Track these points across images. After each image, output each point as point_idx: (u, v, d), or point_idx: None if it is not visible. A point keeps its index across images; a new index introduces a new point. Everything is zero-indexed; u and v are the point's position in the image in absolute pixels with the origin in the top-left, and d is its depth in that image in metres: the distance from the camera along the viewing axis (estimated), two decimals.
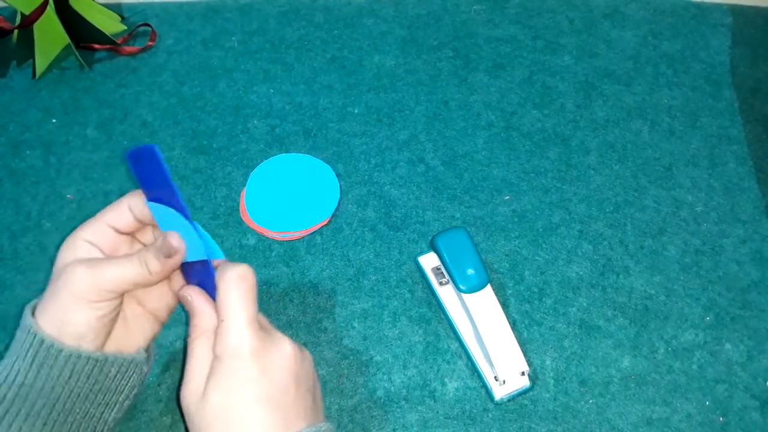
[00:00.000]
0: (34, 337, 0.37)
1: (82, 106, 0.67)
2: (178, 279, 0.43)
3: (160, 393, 0.51)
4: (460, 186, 0.62)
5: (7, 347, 0.52)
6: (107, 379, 0.40)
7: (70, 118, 0.66)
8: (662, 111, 0.68)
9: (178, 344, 0.53)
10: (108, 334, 0.40)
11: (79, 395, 0.39)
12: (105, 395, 0.40)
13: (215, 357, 0.37)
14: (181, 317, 0.54)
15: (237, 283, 0.38)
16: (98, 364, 0.39)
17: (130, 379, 0.42)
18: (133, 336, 0.42)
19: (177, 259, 0.39)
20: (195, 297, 0.39)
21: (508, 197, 0.62)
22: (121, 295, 0.40)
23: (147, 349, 0.43)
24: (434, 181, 0.63)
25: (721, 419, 0.51)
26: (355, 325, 0.54)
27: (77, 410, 0.39)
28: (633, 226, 0.60)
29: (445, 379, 0.52)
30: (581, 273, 0.57)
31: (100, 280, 0.38)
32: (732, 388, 0.52)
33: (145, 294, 0.43)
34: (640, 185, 0.63)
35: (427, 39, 0.73)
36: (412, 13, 0.75)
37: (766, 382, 0.52)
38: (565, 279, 0.57)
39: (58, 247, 0.38)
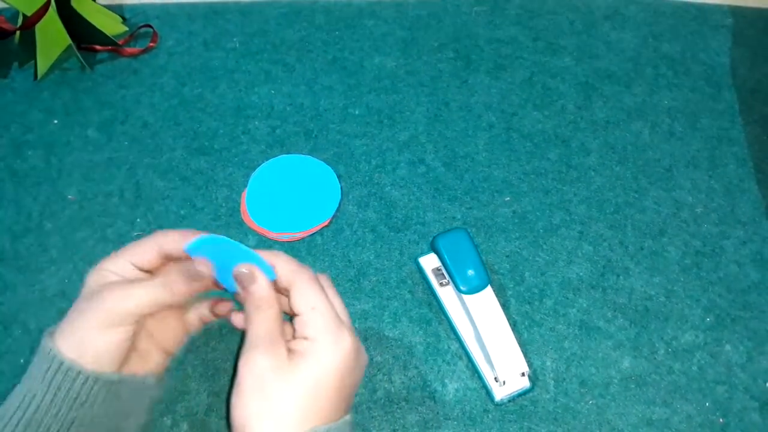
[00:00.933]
0: (53, 360, 0.38)
1: (83, 107, 0.67)
2: (192, 314, 0.46)
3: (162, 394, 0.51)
4: (460, 187, 0.62)
5: (7, 349, 0.53)
6: (120, 402, 0.40)
7: (72, 119, 0.66)
8: (662, 112, 0.68)
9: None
10: (123, 361, 0.41)
11: (92, 419, 0.39)
12: (117, 419, 0.41)
13: (309, 339, 0.39)
14: None
15: (326, 279, 0.43)
16: (113, 387, 0.39)
17: (142, 402, 0.42)
18: (145, 366, 0.43)
19: (204, 283, 0.42)
20: (254, 270, 0.41)
21: (508, 198, 0.62)
22: (142, 320, 0.41)
23: (158, 378, 0.44)
24: (435, 182, 0.63)
25: (721, 420, 0.51)
26: (356, 325, 0.54)
27: None
28: (633, 227, 0.60)
29: (446, 380, 0.52)
30: (581, 274, 0.58)
31: (126, 303, 0.39)
32: (732, 390, 0.52)
33: (158, 326, 0.44)
34: (640, 186, 0.63)
35: (428, 40, 0.73)
36: (413, 15, 0.75)
37: (765, 384, 0.52)
38: (565, 280, 0.57)
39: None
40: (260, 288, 0.40)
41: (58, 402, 0.38)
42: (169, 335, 0.45)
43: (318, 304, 0.39)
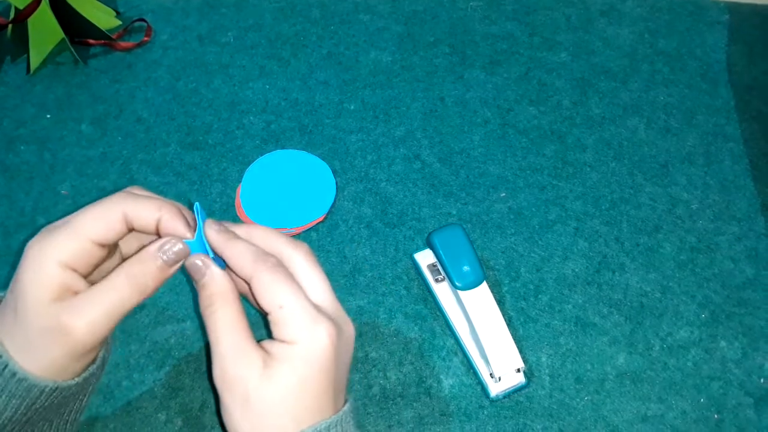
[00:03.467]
0: (4, 368, 0.34)
1: (76, 101, 0.67)
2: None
3: (155, 390, 0.51)
4: (456, 183, 0.62)
5: None
6: (74, 395, 0.39)
7: (65, 114, 0.66)
8: (658, 108, 0.68)
9: (173, 341, 0.53)
10: None
11: (48, 412, 0.37)
12: (73, 404, 0.39)
13: (285, 342, 0.35)
14: (176, 314, 0.54)
15: (302, 253, 0.38)
16: (72, 389, 0.37)
17: (93, 384, 0.40)
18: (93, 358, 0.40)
19: (176, 269, 0.37)
20: (206, 260, 0.37)
21: (504, 194, 0.62)
22: None
23: (105, 350, 0.41)
24: (430, 177, 0.62)
25: (715, 416, 0.51)
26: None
27: (44, 423, 0.38)
28: (629, 223, 0.60)
29: (441, 376, 0.52)
30: (577, 270, 0.57)
31: (99, 331, 0.35)
32: (727, 386, 0.52)
33: None
34: (636, 182, 0.63)
35: (424, 35, 0.73)
36: (409, 9, 0.75)
37: (760, 380, 0.52)
38: (560, 276, 0.57)
39: None
40: (211, 282, 0.36)
41: (11, 408, 0.35)
42: None
43: (286, 300, 0.35)
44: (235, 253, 0.36)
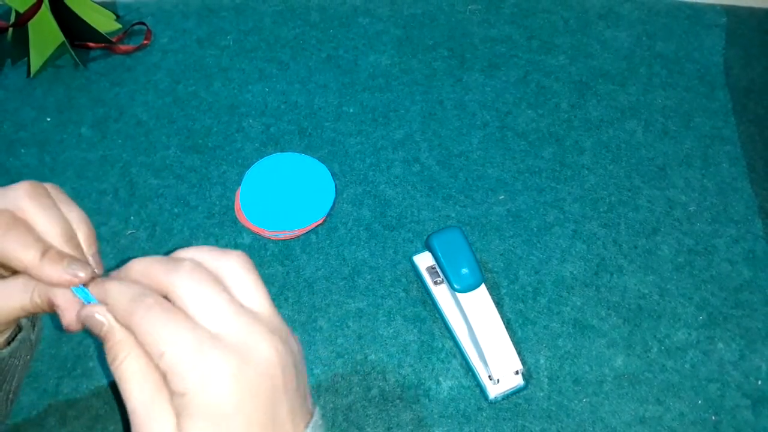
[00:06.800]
0: None
1: (76, 104, 0.67)
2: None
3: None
4: (455, 185, 0.62)
5: None
6: None
7: (65, 117, 0.66)
8: (656, 111, 0.68)
9: None
10: None
11: None
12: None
13: (179, 394, 0.28)
14: None
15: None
16: None
17: (19, 357, 0.40)
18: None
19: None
20: (105, 312, 0.31)
21: (502, 197, 0.62)
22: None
23: (33, 334, 0.40)
24: (429, 180, 0.63)
25: (713, 418, 0.51)
26: (350, 324, 0.55)
27: None
28: (627, 225, 0.60)
29: (440, 378, 0.52)
30: (575, 272, 0.58)
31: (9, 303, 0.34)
32: (724, 387, 0.52)
33: None
34: (633, 185, 0.63)
35: (423, 38, 0.73)
36: (408, 13, 0.75)
37: (758, 381, 0.53)
38: (559, 278, 0.57)
39: None
40: (111, 332, 0.30)
41: None
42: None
43: (168, 343, 0.28)
44: (110, 297, 0.31)
